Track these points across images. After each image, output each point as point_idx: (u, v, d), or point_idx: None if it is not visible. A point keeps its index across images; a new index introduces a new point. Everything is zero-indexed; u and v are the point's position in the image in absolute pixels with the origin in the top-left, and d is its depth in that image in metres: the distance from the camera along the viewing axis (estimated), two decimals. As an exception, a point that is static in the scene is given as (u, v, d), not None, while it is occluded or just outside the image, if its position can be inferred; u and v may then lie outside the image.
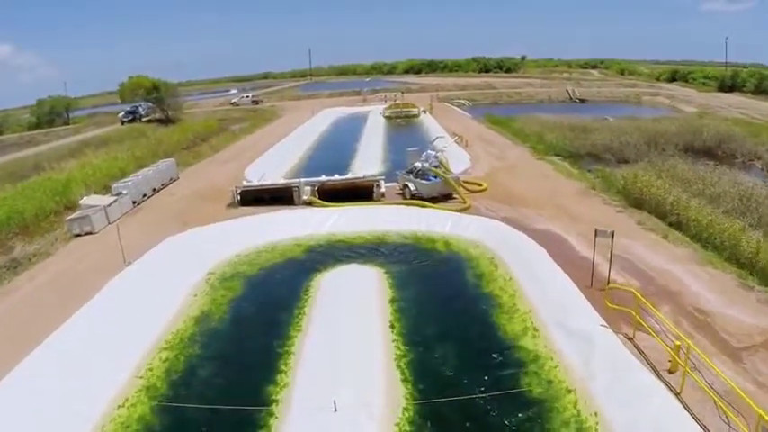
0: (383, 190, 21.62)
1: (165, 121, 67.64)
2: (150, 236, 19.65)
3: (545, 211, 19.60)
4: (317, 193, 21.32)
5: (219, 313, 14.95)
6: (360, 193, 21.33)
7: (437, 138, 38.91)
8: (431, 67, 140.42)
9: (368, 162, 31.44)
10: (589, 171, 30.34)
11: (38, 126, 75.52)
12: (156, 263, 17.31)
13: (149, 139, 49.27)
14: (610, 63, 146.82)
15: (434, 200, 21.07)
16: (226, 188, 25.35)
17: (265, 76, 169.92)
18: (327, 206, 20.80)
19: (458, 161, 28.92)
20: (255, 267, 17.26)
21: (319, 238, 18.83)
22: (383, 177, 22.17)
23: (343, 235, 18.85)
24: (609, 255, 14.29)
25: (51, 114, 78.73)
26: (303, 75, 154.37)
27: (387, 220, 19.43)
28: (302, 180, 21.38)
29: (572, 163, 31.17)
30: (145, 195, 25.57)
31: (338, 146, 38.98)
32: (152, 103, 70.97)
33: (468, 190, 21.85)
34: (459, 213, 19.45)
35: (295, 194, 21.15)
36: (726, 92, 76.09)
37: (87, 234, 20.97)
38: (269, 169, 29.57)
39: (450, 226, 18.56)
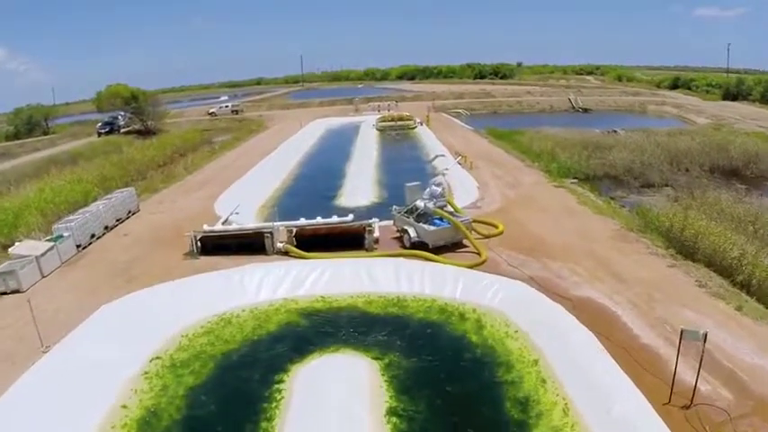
0: (377, 235, 17.58)
1: (145, 133, 63.59)
2: (85, 299, 15.58)
3: (580, 267, 15.64)
4: (294, 240, 17.26)
5: (169, 411, 11.05)
6: (347, 239, 17.29)
7: (436, 156, 35.08)
8: (425, 74, 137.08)
9: (359, 188, 27.53)
10: (612, 199, 26.69)
11: (16, 136, 71.14)
12: (84, 346, 13.21)
13: (121, 156, 45.15)
14: (606, 69, 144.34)
15: (440, 247, 17.07)
16: (189, 226, 21.30)
17: (258, 82, 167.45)
18: (307, 257, 16.75)
19: (463, 189, 24.99)
20: (214, 349, 13.14)
21: (295, 305, 14.75)
22: (376, 221, 18.08)
23: (325, 301, 14.78)
24: (677, 340, 10.37)
25: (30, 124, 74.25)
26: (296, 81, 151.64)
27: (382, 278, 15.40)
28: (276, 224, 17.28)
29: (591, 188, 27.43)
30: (93, 236, 21.40)
31: (326, 167, 34.88)
32: (131, 113, 66.85)
33: (480, 234, 17.83)
34: (474, 270, 15.44)
35: (267, 242, 17.07)
36: (730, 100, 72.86)
37: (14, 292, 16.83)
38: (245, 199, 25.51)
39: (464, 289, 14.55)
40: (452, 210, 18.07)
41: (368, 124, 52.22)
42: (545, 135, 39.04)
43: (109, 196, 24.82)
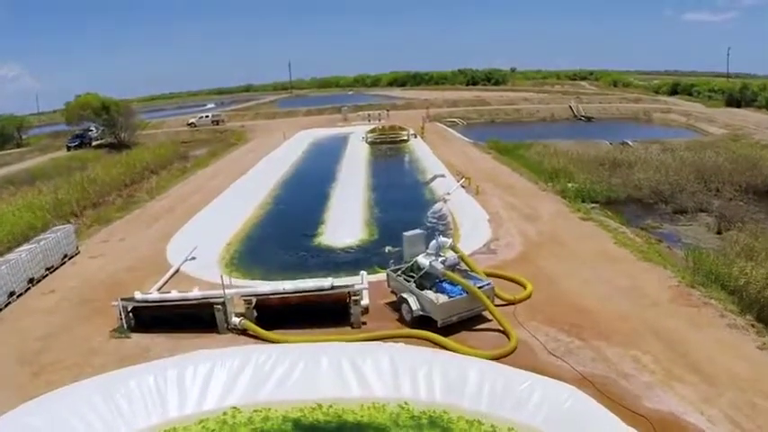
0: (365, 303, 13.25)
1: (118, 147, 59.00)
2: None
3: (648, 355, 11.38)
4: (254, 313, 12.87)
5: None
6: (326, 310, 12.94)
7: (435, 177, 30.78)
8: (416, 80, 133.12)
9: (345, 220, 23.15)
10: (644, 229, 22.65)
11: (-13, 149, 66.37)
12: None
13: (84, 174, 40.64)
14: (599, 74, 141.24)
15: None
16: (129, 281, 16.98)
17: (247, 89, 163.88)
18: (271, 339, 12.35)
19: (471, 224, 20.78)
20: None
21: (263, 416, 10.37)
22: (364, 278, 13.72)
23: (295, 421, 10.38)
24: None
25: (2, 135, 69.71)
26: (285, 87, 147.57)
27: (373, 375, 11.02)
28: (231, 292, 12.85)
29: (617, 216, 23.43)
30: (12, 294, 16.86)
31: (307, 191, 30.42)
32: (102, 125, 62.25)
33: (503, 299, 13.47)
34: (503, 364, 11.10)
35: (218, 315, 12.67)
36: (735, 106, 69.50)
37: None
38: (207, 235, 21.17)
39: (493, 396, 10.21)
40: (466, 266, 13.74)
41: (357, 136, 47.98)
42: (555, 150, 34.99)
43: (39, 237, 20.23)
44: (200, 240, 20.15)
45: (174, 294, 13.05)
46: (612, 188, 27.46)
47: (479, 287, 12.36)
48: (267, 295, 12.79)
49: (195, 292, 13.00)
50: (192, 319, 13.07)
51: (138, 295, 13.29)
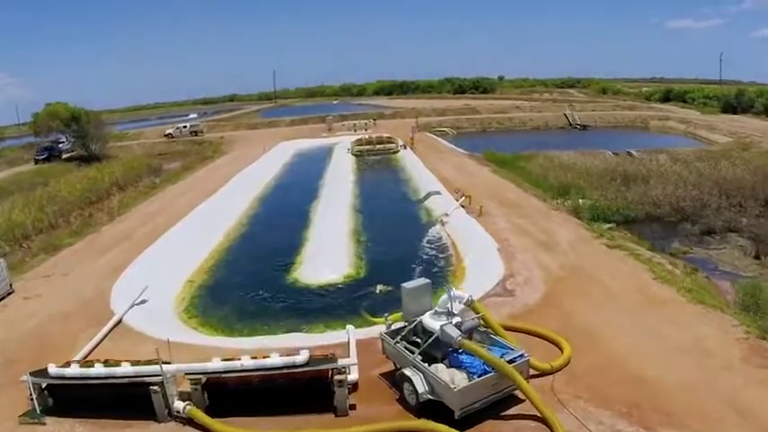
0: (354, 378, 9.99)
1: (88, 159, 55.25)
2: None
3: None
4: (204, 395, 9.59)
5: None
6: (300, 392, 9.65)
7: (429, 194, 27.72)
8: (402, 89, 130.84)
9: (328, 248, 19.83)
10: (672, 255, 19.83)
11: (-42, 162, 62.25)
12: None
13: (45, 191, 37.13)
14: (587, 82, 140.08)
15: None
16: (64, 331, 13.76)
17: (231, 99, 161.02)
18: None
19: (476, 256, 17.60)
20: None
21: None
22: (353, 361, 10.20)
23: None
24: None
25: (-28, 149, 65.78)
26: (269, 97, 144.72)
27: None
28: (171, 368, 9.51)
29: (643, 242, 20.49)
30: None
31: (284, 213, 27.12)
32: (72, 136, 58.49)
33: (537, 370, 10.21)
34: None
35: (155, 399, 9.37)
36: (731, 113, 67.72)
37: None
38: (162, 272, 17.77)
39: None
40: (487, 328, 10.50)
41: (342, 148, 44.88)
42: (559, 162, 32.10)
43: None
44: (155, 276, 16.82)
45: (99, 369, 9.68)
46: (629, 205, 24.67)
47: (510, 360, 9.11)
48: (220, 373, 9.47)
49: (125, 368, 9.64)
50: (125, 400, 9.75)
51: (52, 369, 9.91)
